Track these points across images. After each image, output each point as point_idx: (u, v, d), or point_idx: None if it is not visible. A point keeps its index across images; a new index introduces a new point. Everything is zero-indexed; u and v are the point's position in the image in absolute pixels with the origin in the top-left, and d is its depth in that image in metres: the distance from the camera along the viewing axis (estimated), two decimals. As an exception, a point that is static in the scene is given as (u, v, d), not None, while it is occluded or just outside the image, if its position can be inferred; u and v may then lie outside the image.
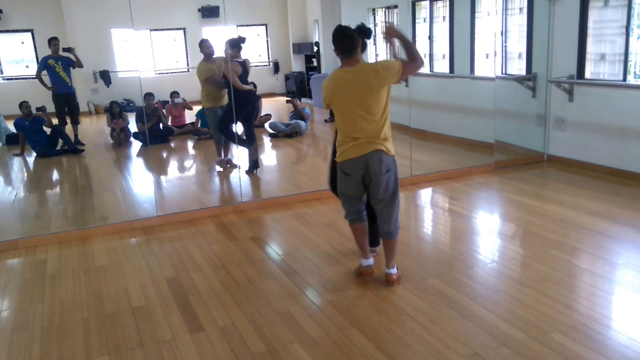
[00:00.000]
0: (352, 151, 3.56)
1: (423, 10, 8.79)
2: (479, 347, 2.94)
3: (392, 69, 3.47)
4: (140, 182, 6.95)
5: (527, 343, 2.95)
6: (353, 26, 3.59)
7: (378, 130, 3.53)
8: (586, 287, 3.64)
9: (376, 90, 3.47)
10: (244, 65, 6.44)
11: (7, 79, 8.00)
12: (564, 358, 2.80)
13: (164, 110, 9.16)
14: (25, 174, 8.01)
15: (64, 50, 7.34)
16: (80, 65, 7.40)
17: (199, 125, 9.13)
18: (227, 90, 6.48)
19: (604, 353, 2.83)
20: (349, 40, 3.49)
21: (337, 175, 3.77)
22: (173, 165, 6.63)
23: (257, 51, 10.61)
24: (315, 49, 11.94)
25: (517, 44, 7.35)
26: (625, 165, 6.00)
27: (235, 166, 7.05)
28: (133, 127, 9.03)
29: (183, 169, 8.19)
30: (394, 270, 3.79)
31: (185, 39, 9.99)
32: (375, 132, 3.52)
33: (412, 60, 3.53)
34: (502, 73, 7.46)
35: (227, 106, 6.54)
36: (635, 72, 5.97)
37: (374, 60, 9.97)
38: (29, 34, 8.01)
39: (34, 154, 8.14)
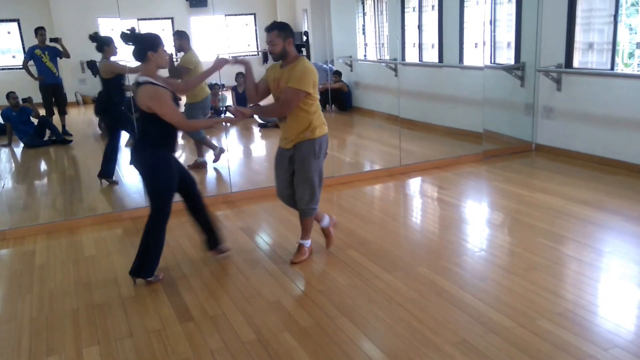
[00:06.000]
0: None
1: (412, -1, 8.77)
2: (467, 334, 2.97)
3: None
4: (128, 172, 6.90)
5: (514, 330, 2.98)
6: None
7: None
8: (573, 274, 3.68)
9: None
10: None
11: (-6, 70, 7.91)
12: (552, 345, 2.83)
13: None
14: (13, 165, 7.94)
15: (51, 40, 7.25)
16: (67, 56, 7.31)
17: None
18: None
19: (591, 339, 2.87)
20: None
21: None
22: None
23: (245, 41, 10.53)
24: (304, 38, 11.88)
25: (506, 33, 7.36)
26: (612, 153, 6.04)
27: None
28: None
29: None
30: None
31: (173, 29, 9.88)
32: None
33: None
34: (490, 62, 7.47)
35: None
36: (622, 60, 6.01)
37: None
38: (15, 24, 7.89)
39: (22, 144, 8.07)
